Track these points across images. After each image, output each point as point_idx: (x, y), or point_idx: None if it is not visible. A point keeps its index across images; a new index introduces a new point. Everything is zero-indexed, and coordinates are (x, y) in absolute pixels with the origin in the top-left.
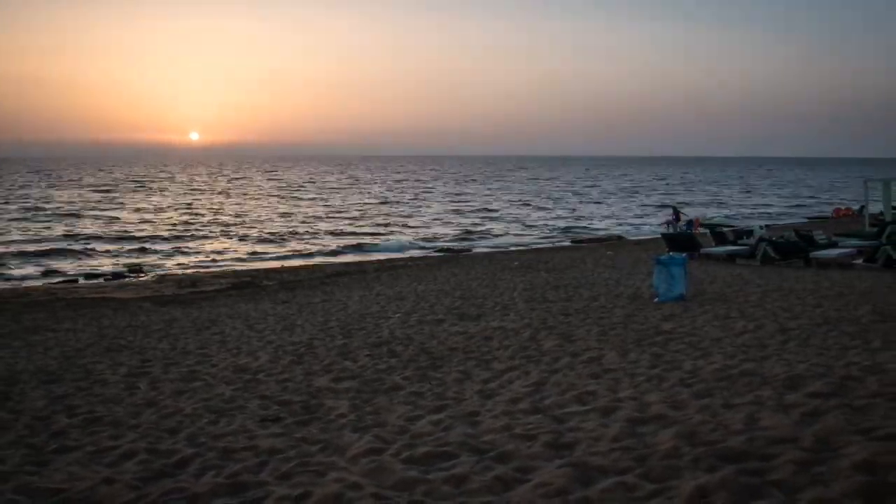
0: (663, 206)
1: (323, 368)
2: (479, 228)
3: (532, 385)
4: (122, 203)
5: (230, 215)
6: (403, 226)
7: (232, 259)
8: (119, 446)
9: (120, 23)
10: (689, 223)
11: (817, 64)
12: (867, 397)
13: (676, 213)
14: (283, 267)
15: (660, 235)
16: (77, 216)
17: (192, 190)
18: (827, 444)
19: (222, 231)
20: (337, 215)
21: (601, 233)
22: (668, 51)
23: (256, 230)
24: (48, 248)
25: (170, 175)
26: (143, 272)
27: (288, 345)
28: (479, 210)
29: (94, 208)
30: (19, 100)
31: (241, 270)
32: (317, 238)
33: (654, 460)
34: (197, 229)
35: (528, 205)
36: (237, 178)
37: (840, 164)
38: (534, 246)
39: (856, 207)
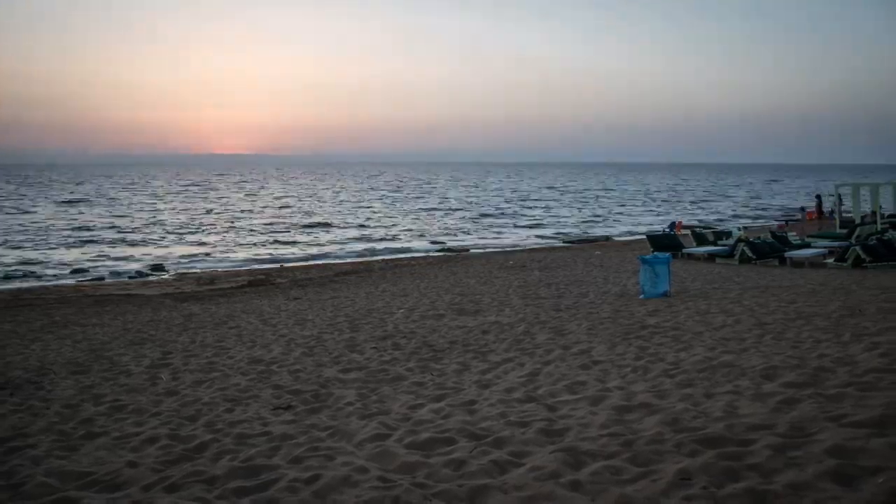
0: None
1: (332, 360)
2: None
3: (526, 376)
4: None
5: None
6: None
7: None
8: (142, 432)
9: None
10: (672, 225)
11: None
12: (838, 387)
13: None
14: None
15: (645, 237)
16: None
17: None
18: (801, 430)
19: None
20: None
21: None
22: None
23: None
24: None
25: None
26: (165, 270)
27: (299, 338)
28: None
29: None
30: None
31: (256, 269)
32: None
33: (640, 445)
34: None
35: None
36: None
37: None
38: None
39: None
